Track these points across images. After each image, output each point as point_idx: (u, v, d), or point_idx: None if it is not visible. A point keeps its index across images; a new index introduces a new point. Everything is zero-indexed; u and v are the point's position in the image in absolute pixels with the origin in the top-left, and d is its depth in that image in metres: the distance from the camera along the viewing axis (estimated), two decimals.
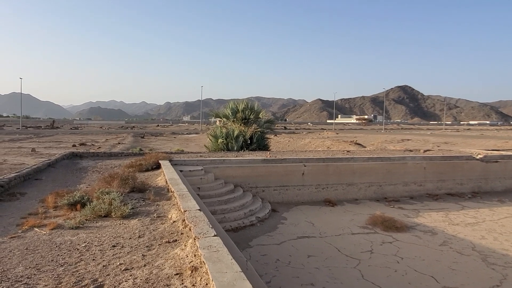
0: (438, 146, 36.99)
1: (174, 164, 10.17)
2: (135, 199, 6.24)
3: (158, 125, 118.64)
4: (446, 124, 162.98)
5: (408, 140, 48.73)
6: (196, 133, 61.52)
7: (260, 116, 19.05)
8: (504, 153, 14.65)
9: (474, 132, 76.51)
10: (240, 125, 18.31)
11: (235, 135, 16.93)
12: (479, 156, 13.78)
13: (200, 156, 12.30)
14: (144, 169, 9.57)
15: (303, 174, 11.37)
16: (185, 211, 4.41)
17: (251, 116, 18.54)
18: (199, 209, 4.44)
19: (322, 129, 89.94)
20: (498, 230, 8.75)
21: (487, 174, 13.58)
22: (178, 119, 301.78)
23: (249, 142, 17.34)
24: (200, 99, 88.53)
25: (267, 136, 19.36)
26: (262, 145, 18.12)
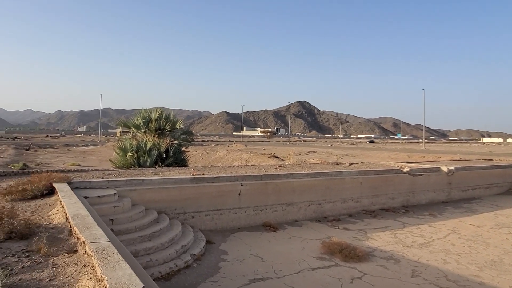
0: (342, 158, 38.78)
1: (75, 187, 7.57)
2: (13, 255, 3.83)
3: (47, 136, 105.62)
4: (340, 138, 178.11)
5: (314, 152, 50.71)
6: (94, 145, 55.52)
7: (177, 126, 16.88)
8: (424, 166, 14.98)
9: (365, 144, 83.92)
10: (154, 136, 15.87)
11: (148, 148, 14.48)
12: (406, 169, 13.77)
13: (109, 174, 9.72)
14: (29, 196, 6.83)
15: (239, 194, 9.66)
16: None
17: (167, 127, 16.25)
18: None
19: (230, 141, 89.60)
20: (453, 251, 8.19)
21: (414, 187, 13.60)
22: (71, 129, 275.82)
23: (164, 156, 15.01)
24: (99, 108, 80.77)
25: (184, 149, 17.23)
26: (180, 160, 15.92)
